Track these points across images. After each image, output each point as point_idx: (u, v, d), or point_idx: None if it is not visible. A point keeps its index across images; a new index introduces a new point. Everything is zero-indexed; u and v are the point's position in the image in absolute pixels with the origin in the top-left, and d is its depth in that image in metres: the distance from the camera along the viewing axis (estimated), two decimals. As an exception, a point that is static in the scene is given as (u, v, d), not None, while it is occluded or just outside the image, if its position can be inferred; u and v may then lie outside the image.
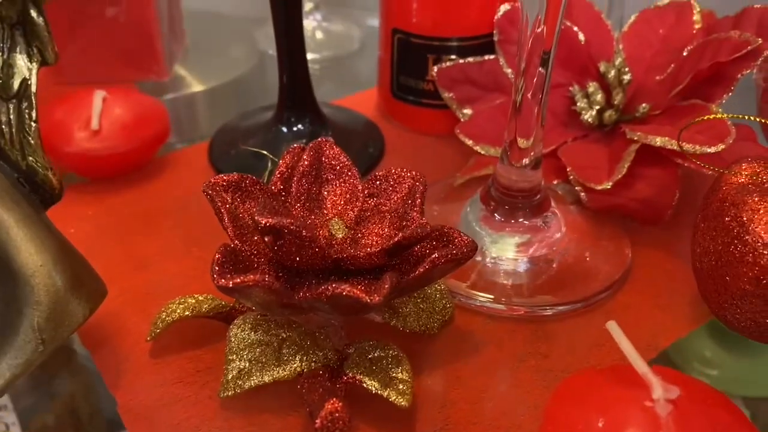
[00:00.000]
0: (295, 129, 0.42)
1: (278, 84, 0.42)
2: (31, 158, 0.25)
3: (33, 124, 0.24)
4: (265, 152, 0.35)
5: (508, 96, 0.41)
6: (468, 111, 0.42)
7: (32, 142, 0.24)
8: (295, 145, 0.32)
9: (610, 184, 0.35)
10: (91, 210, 0.38)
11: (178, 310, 0.29)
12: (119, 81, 0.51)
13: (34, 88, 0.24)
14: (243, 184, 0.30)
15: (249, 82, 0.57)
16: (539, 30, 0.30)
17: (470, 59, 0.42)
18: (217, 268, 0.25)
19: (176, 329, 0.30)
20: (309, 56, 0.54)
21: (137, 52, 0.50)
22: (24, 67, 0.24)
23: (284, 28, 0.39)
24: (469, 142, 0.40)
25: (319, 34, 0.60)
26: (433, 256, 0.27)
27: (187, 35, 0.59)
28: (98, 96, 0.39)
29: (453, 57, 0.42)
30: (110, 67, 0.51)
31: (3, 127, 0.24)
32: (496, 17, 0.41)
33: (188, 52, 0.59)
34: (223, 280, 0.24)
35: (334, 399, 0.24)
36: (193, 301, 0.30)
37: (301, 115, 0.42)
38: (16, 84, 0.24)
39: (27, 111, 0.24)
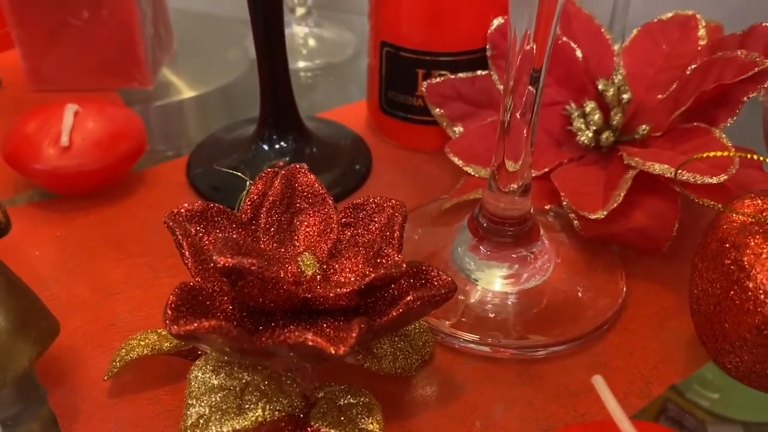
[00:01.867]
0: (276, 147, 0.41)
1: (259, 98, 0.40)
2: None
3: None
4: (240, 174, 0.33)
5: (501, 114, 0.39)
6: (459, 128, 0.40)
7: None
8: (268, 170, 0.30)
9: (605, 213, 0.33)
10: (60, 230, 0.36)
11: (138, 348, 0.27)
12: (101, 89, 0.50)
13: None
14: (208, 214, 0.28)
15: (240, 88, 0.55)
16: (528, 47, 0.28)
17: (462, 75, 0.40)
18: (169, 312, 0.23)
19: (138, 365, 0.28)
20: (301, 64, 0.53)
21: (119, 59, 0.48)
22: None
23: (264, 41, 0.37)
24: (459, 162, 0.38)
25: (311, 41, 0.58)
26: (408, 298, 0.25)
27: (175, 38, 0.57)
28: (69, 110, 0.37)
29: (444, 72, 0.40)
30: (92, 75, 0.49)
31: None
32: (489, 31, 0.39)
33: (177, 56, 0.57)
34: (174, 327, 0.23)
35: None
36: (155, 336, 0.28)
37: (283, 132, 0.40)
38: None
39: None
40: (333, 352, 0.22)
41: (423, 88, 0.40)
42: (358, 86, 0.52)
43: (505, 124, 0.29)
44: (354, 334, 0.23)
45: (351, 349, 0.23)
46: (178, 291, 0.24)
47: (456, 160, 0.38)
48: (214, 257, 0.23)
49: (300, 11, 0.58)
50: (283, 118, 0.40)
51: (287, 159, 0.40)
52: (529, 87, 0.28)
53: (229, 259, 0.23)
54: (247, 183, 0.36)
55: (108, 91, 0.50)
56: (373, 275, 0.25)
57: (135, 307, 0.32)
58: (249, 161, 0.40)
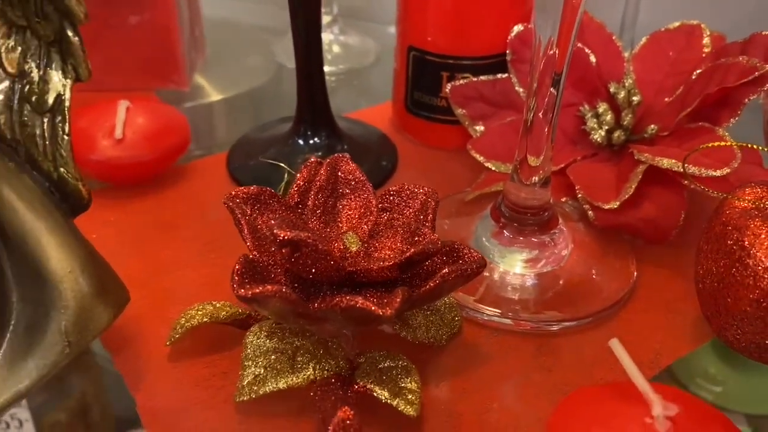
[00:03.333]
0: (311, 142, 0.44)
1: (296, 98, 0.43)
2: (62, 169, 0.26)
3: (65, 137, 0.26)
4: (282, 164, 0.36)
5: (520, 114, 0.42)
6: (480, 127, 0.43)
7: (64, 154, 0.26)
8: (311, 159, 0.33)
9: (618, 203, 0.36)
10: (113, 216, 0.39)
11: (197, 316, 0.30)
12: (140, 89, 0.53)
13: (67, 103, 0.25)
14: (262, 197, 0.31)
15: (266, 92, 0.58)
16: (551, 52, 0.31)
17: (483, 77, 0.43)
18: (237, 278, 0.26)
19: (194, 334, 0.31)
20: (326, 69, 0.56)
21: (159, 60, 0.52)
22: (59, 82, 0.25)
23: (304, 46, 0.40)
24: (480, 158, 0.41)
25: (336, 48, 0.62)
26: (444, 271, 0.28)
27: (207, 44, 0.61)
28: (122, 105, 0.40)
29: (467, 75, 0.43)
30: (132, 75, 0.52)
31: (37, 139, 0.25)
32: (509, 38, 0.42)
33: (207, 61, 0.60)
34: (242, 290, 0.26)
35: (346, 407, 0.25)
36: (212, 307, 0.31)
37: (317, 129, 0.44)
38: (51, 99, 0.25)
39: (60, 125, 0.25)
40: (381, 313, 0.25)
41: (447, 90, 0.43)
42: (380, 90, 0.55)
43: (528, 123, 0.32)
44: (398, 299, 0.26)
45: (395, 312, 0.26)
46: (242, 261, 0.27)
47: (478, 156, 0.41)
48: (275, 231, 0.26)
49: (326, 19, 0.61)
50: (318, 117, 0.43)
51: (320, 154, 0.43)
52: (551, 89, 0.31)
53: (288, 233, 0.26)
54: (286, 173, 0.39)
55: (145, 91, 0.53)
56: (412, 250, 0.27)
57: (186, 283, 0.35)
58: (285, 155, 0.43)
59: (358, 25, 0.64)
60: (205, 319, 0.30)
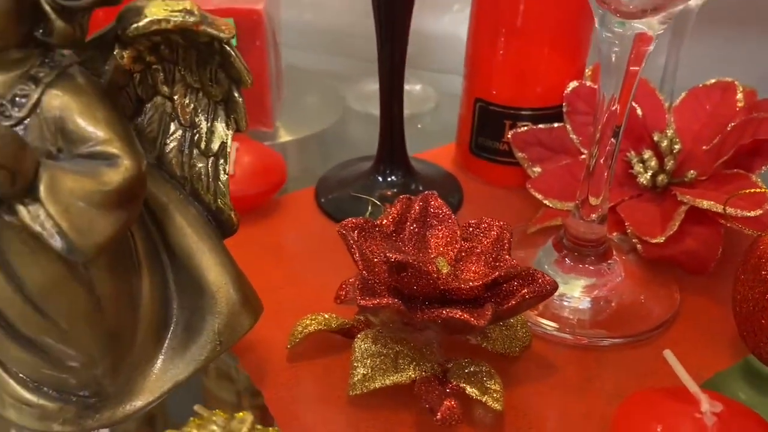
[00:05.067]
0: (389, 179, 0.50)
1: (378, 139, 0.49)
2: (220, 201, 0.32)
3: (225, 176, 0.32)
4: (372, 198, 0.42)
5: (574, 158, 0.48)
6: (537, 169, 0.49)
7: (223, 189, 0.32)
8: (402, 196, 0.39)
9: (663, 238, 0.41)
10: (230, 240, 0.45)
11: (313, 325, 0.36)
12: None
13: (228, 149, 0.32)
14: (365, 226, 0.37)
15: (333, 133, 0.64)
16: (614, 108, 0.37)
17: (541, 126, 0.49)
18: (358, 291, 0.32)
19: (306, 340, 0.37)
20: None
21: (251, 104, 0.58)
22: (223, 132, 0.31)
23: (388, 93, 0.47)
24: (539, 196, 0.47)
25: (400, 94, 0.68)
26: (523, 291, 0.33)
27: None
28: (233, 147, 0.46)
29: (526, 123, 0.49)
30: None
31: (202, 177, 0.32)
32: (565, 92, 0.48)
33: (282, 104, 0.67)
34: (363, 301, 0.32)
35: (451, 398, 0.31)
36: (323, 318, 0.37)
37: (395, 168, 0.50)
38: (215, 146, 0.32)
39: (222, 165, 0.32)
40: (476, 323, 0.31)
41: (509, 136, 0.49)
42: (441, 133, 0.61)
43: (590, 168, 0.38)
44: (489, 313, 0.32)
45: (487, 323, 0.31)
46: (360, 278, 0.33)
47: (537, 194, 0.47)
48: (387, 254, 0.32)
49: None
50: (396, 157, 0.50)
51: (395, 191, 0.50)
52: (612, 139, 0.37)
53: (399, 256, 0.32)
54: (370, 205, 0.45)
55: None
56: (497, 273, 0.33)
57: (293, 298, 0.41)
58: (366, 190, 0.49)
59: (419, 74, 0.70)
60: (319, 327, 0.36)
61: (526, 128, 0.49)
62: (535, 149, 0.49)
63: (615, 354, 0.38)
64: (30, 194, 0.25)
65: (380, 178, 0.50)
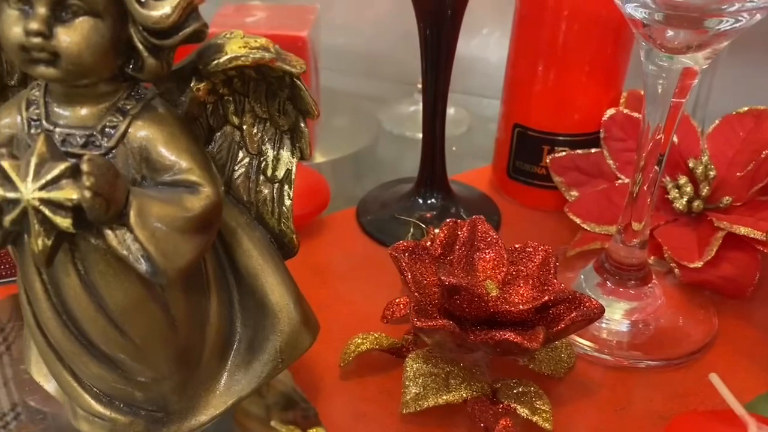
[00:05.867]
0: (429, 202, 0.51)
1: (420, 162, 0.51)
2: (284, 224, 0.34)
3: (288, 201, 0.33)
4: (416, 221, 0.44)
5: (610, 182, 0.50)
6: (575, 193, 0.51)
7: (287, 213, 0.34)
8: (449, 220, 0.40)
9: (701, 263, 0.42)
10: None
11: (365, 344, 0.38)
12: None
13: (293, 176, 0.33)
14: (415, 249, 0.38)
15: (366, 155, 0.66)
16: (659, 137, 0.38)
17: (579, 151, 0.50)
18: (414, 313, 0.33)
19: (358, 359, 0.38)
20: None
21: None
22: (288, 160, 0.33)
23: (431, 117, 0.48)
24: (578, 220, 0.48)
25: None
26: (572, 315, 0.35)
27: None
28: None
29: (564, 148, 0.51)
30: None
31: (267, 202, 0.33)
32: (603, 119, 0.49)
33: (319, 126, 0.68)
34: (419, 322, 0.33)
35: (507, 417, 0.32)
36: (374, 337, 0.38)
37: (435, 191, 0.51)
38: (281, 173, 0.33)
39: (286, 191, 0.33)
40: (528, 346, 0.32)
41: (547, 161, 0.51)
42: (475, 155, 0.63)
43: (634, 194, 0.40)
44: (541, 336, 0.33)
45: (539, 346, 0.33)
46: (415, 300, 0.34)
47: (575, 218, 0.48)
48: (441, 277, 0.34)
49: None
50: (436, 180, 0.51)
51: (435, 212, 0.51)
52: (655, 167, 0.38)
53: (452, 279, 0.34)
54: (412, 226, 0.47)
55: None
56: (546, 297, 0.35)
57: (340, 317, 0.42)
58: (406, 211, 0.50)
59: (452, 97, 0.71)
60: (371, 346, 0.38)
61: (564, 153, 0.51)
62: (573, 174, 0.51)
63: (656, 376, 0.39)
64: (119, 219, 0.26)
65: (420, 201, 0.51)
